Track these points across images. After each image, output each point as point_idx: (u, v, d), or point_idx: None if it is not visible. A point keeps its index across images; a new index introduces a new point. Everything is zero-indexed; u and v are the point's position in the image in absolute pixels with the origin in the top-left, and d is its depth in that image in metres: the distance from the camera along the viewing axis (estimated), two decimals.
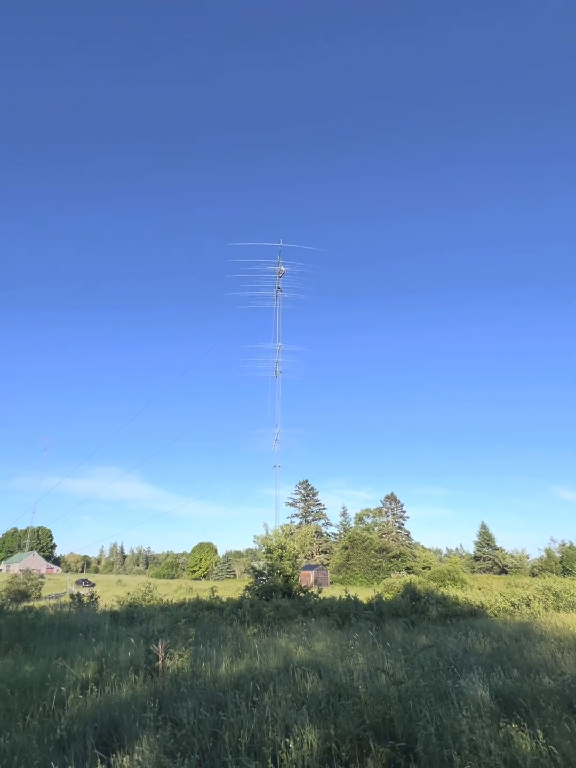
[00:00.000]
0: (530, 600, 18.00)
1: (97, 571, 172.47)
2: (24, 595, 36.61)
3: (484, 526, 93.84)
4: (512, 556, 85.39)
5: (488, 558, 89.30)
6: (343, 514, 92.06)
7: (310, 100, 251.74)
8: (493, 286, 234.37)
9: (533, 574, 71.06)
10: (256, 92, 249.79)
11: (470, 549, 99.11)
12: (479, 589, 35.08)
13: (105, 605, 24.59)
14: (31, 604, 29.15)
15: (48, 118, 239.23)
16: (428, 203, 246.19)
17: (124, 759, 4.57)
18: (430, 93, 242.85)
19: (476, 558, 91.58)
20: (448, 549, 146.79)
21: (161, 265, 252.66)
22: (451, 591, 27.46)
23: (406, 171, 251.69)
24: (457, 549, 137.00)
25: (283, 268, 38.83)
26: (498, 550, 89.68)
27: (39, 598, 38.57)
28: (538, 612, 16.39)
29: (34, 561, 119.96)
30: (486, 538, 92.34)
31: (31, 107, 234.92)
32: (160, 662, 7.83)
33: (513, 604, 17.83)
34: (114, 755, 4.71)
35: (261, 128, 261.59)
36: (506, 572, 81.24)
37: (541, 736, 4.45)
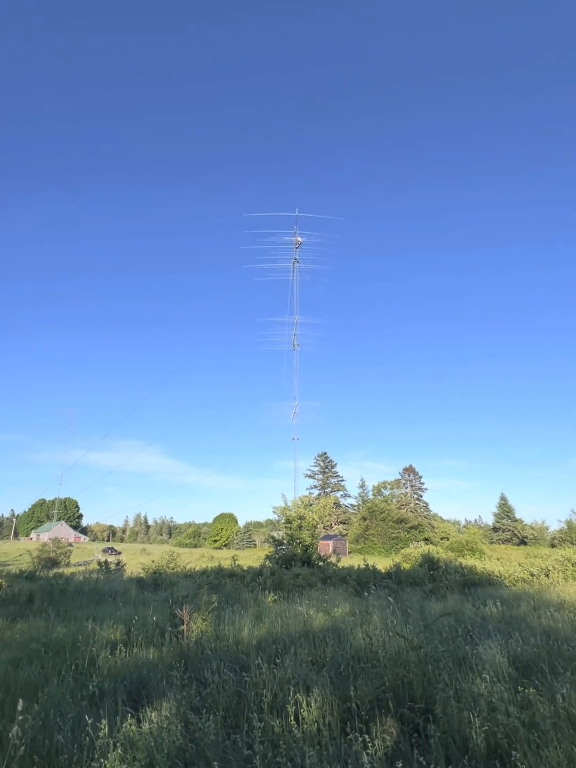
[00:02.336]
0: (549, 570, 18.01)
1: (122, 540, 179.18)
2: (54, 562, 38.30)
3: (503, 498, 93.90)
4: (531, 528, 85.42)
5: (507, 529, 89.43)
6: (362, 486, 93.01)
7: (322, 59, 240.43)
8: (517, 246, 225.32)
9: (553, 545, 70.97)
10: (266, 55, 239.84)
11: (489, 520, 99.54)
12: (498, 560, 35.28)
13: (131, 572, 25.45)
14: (60, 570, 30.46)
15: (49, 84, 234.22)
16: (454, 167, 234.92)
17: (153, 714, 4.80)
18: (456, 45, 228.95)
19: (495, 529, 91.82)
20: (466, 520, 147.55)
21: (177, 238, 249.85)
22: (469, 561, 27.65)
23: (430, 134, 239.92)
24: (475, 520, 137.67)
25: (299, 239, 37.93)
26: (517, 521, 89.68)
27: (68, 565, 40.25)
28: (557, 582, 16.42)
29: (62, 530, 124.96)
30: (505, 510, 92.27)
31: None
32: (184, 626, 8.13)
33: (532, 575, 17.88)
34: (143, 711, 4.95)
35: (274, 91, 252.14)
36: (525, 543, 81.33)
37: (560, 700, 4.50)
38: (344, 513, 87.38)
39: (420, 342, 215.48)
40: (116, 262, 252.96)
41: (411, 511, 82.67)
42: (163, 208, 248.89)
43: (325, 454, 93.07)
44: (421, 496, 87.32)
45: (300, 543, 26.12)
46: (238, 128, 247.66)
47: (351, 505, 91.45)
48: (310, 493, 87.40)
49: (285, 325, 39.37)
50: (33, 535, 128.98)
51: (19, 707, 3.80)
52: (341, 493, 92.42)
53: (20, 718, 3.89)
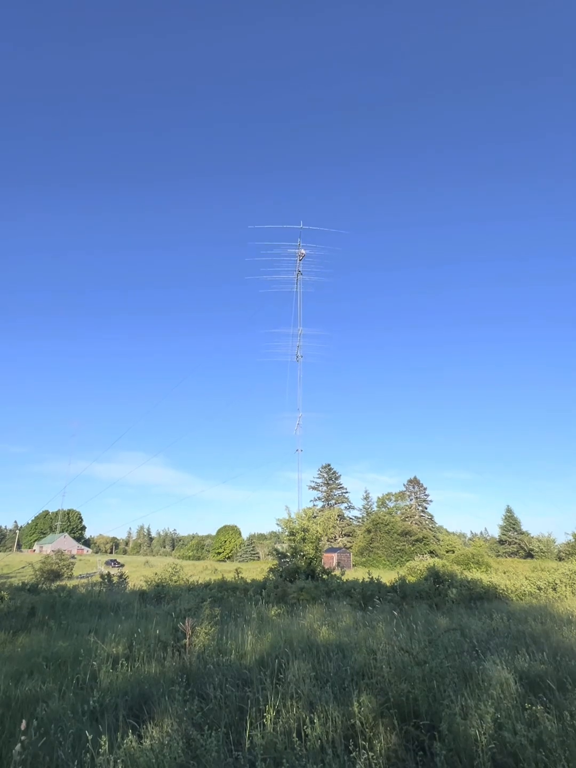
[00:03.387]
0: (557, 584, 17.76)
1: (125, 552, 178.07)
2: (56, 575, 38.08)
3: (509, 510, 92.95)
4: (538, 540, 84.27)
5: (514, 542, 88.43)
6: (366, 498, 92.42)
7: (327, 74, 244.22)
8: (521, 259, 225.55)
9: (560, 559, 69.89)
10: (271, 69, 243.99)
11: (495, 533, 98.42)
12: (504, 573, 34.79)
13: (133, 585, 25.29)
14: (63, 583, 30.31)
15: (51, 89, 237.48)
16: (457, 179, 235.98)
17: (154, 730, 4.74)
18: (460, 59, 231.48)
19: (501, 542, 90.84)
20: (472, 533, 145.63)
21: (181, 249, 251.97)
22: (475, 574, 27.25)
23: (433, 146, 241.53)
24: (481, 533, 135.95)
25: (303, 251, 38.27)
26: (524, 534, 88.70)
27: (71, 577, 40.03)
28: (565, 596, 16.19)
29: (65, 542, 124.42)
30: (511, 522, 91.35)
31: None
32: (187, 639, 8.06)
33: (539, 588, 17.63)
34: (144, 726, 4.89)
35: (278, 106, 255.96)
36: (532, 556, 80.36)
37: (568, 718, 4.42)
38: (348, 525, 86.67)
39: (425, 353, 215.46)
40: (121, 273, 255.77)
41: (416, 523, 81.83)
42: (168, 220, 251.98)
43: (329, 465, 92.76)
44: (426, 508, 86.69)
45: (304, 556, 25.93)
46: (245, 142, 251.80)
47: (355, 517, 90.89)
48: (314, 505, 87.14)
49: (288, 337, 38.60)
50: (36, 547, 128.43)
51: (22, 726, 3.77)
52: (345, 505, 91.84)
53: (23, 738, 3.86)
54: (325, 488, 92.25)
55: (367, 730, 4.68)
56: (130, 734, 4.42)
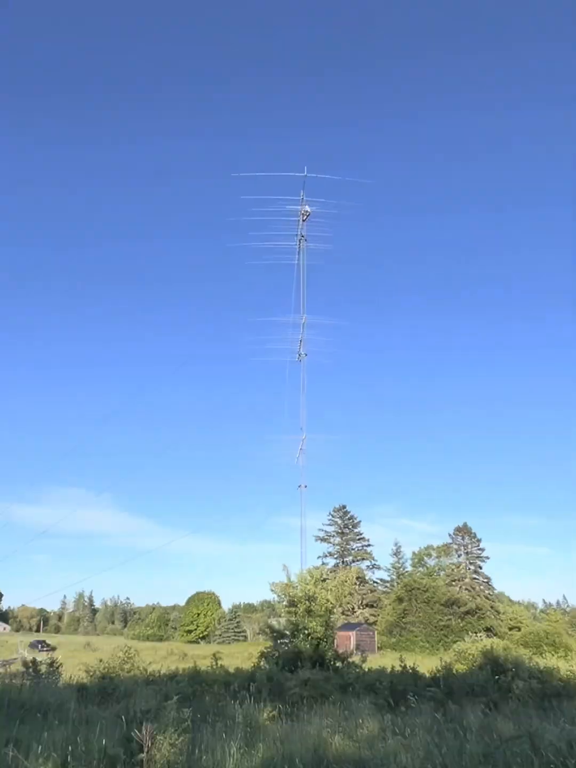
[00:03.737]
0: None
1: (58, 629, 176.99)
2: None
3: None
4: None
5: None
6: (396, 553, 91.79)
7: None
8: None
9: None
10: None
11: None
12: None
13: (70, 676, 24.96)
14: None
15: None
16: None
17: None
18: None
19: None
20: (545, 602, 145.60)
21: (131, 195, 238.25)
22: (551, 660, 27.00)
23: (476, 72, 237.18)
24: (558, 602, 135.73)
25: (307, 209, 37.60)
26: None
27: None
28: None
29: None
30: None
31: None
32: (144, 754, 7.98)
33: None
34: None
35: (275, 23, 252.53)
36: None
37: None
38: (372, 591, 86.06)
39: (479, 351, 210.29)
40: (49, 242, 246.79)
41: (466, 588, 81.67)
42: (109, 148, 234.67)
43: (345, 508, 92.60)
44: (481, 568, 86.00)
45: (309, 635, 25.96)
46: (230, 55, 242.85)
47: (381, 580, 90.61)
48: (323, 562, 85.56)
49: (287, 328, 37.61)
50: None
51: None
52: (367, 563, 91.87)
53: None
54: (338, 539, 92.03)
55: None
56: None
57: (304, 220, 37.37)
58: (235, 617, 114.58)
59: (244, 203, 38.47)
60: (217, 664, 24.98)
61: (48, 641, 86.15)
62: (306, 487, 32.61)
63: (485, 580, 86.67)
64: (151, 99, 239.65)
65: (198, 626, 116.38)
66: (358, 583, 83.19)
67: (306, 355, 36.64)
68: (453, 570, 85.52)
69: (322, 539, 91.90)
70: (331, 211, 37.45)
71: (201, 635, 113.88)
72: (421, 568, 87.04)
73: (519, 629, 70.37)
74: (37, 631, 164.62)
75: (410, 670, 19.53)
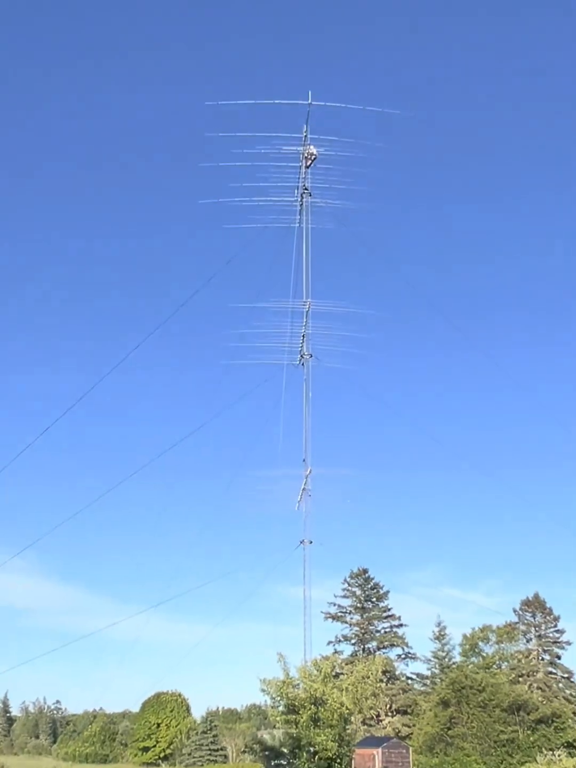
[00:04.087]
0: None
1: None
2: None
3: None
4: None
5: None
6: (439, 637, 79.75)
7: None
8: None
9: None
10: None
11: None
12: None
13: None
14: None
15: None
16: None
17: None
18: None
19: None
20: None
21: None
22: None
23: None
24: None
25: (313, 150, 32.39)
26: None
27: None
28: None
29: None
30: None
31: None
32: None
33: None
34: None
35: None
36: None
37: None
38: (405, 692, 73.94)
39: (538, 361, 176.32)
40: None
41: (539, 686, 69.79)
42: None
43: (366, 572, 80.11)
44: (559, 658, 74.55)
45: (316, 753, 24.19)
46: None
47: (418, 675, 78.15)
48: (336, 650, 74.72)
49: (284, 317, 33.17)
50: None
51: None
52: (398, 650, 78.80)
53: None
54: (357, 617, 79.53)
55: None
56: None
57: (307, 167, 32.76)
58: (211, 729, 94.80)
59: (222, 143, 33.32)
60: None
61: None
62: (311, 542, 28.76)
63: (565, 675, 75.18)
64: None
65: (158, 741, 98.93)
66: (385, 679, 69.56)
67: (311, 356, 32.69)
68: (520, 661, 73.37)
69: (335, 617, 79.19)
70: (347, 153, 32.07)
71: (162, 754, 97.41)
72: (474, 659, 74.52)
73: None
74: None
75: None
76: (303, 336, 32.36)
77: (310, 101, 30.54)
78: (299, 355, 32.32)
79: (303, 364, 32.34)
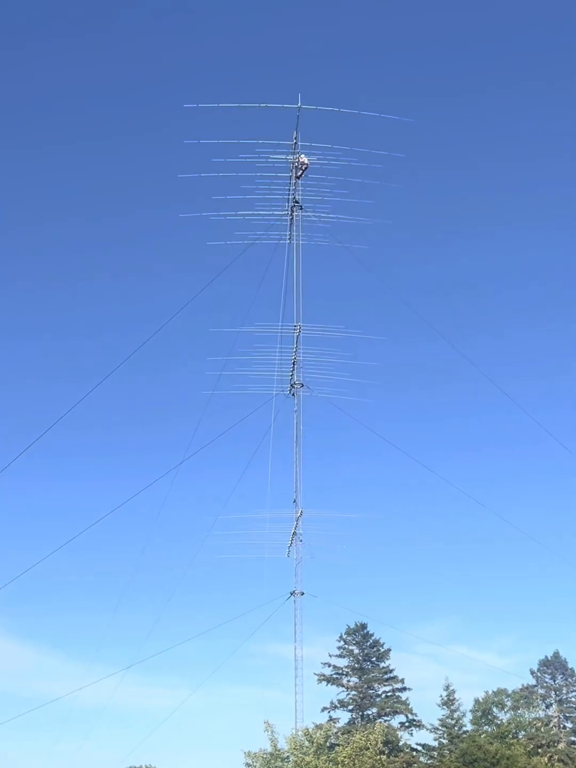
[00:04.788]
0: None
1: None
2: None
3: None
4: None
5: None
6: (448, 702, 74.11)
7: None
8: None
9: None
10: None
11: None
12: None
13: None
14: None
15: None
16: None
17: None
18: None
19: None
20: None
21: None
22: None
23: None
24: None
25: (304, 159, 32.31)
26: None
27: None
28: None
29: None
30: None
31: None
32: None
33: None
34: None
35: None
36: None
37: None
38: (409, 764, 67.51)
39: (553, 389, 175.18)
40: None
41: (560, 759, 64.83)
42: None
43: (365, 629, 75.13)
44: None
45: None
46: None
47: (425, 746, 72.37)
48: (331, 717, 69.77)
49: (272, 342, 33.29)
50: None
51: None
52: (402, 717, 73.19)
53: None
54: (355, 679, 74.43)
55: None
56: None
57: (298, 177, 32.69)
58: None
59: (203, 151, 33.64)
60: None
61: None
62: (303, 594, 29.53)
63: None
64: None
65: None
66: (387, 750, 65.69)
67: (302, 385, 33.05)
68: (539, 729, 68.66)
69: (329, 679, 73.72)
70: (341, 162, 31.89)
71: None
72: (487, 727, 69.47)
73: None
74: None
75: None
76: (293, 363, 31.64)
77: (299, 105, 29.65)
78: (289, 385, 31.78)
79: (294, 394, 31.83)
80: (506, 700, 71.45)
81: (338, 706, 74.56)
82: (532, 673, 76.25)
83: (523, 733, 69.17)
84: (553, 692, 74.56)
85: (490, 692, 73.89)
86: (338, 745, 33.09)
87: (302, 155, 30.91)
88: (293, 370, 31.62)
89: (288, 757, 26.73)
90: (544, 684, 75.13)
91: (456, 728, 72.55)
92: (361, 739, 34.18)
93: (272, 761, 26.64)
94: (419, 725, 74.06)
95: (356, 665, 75.08)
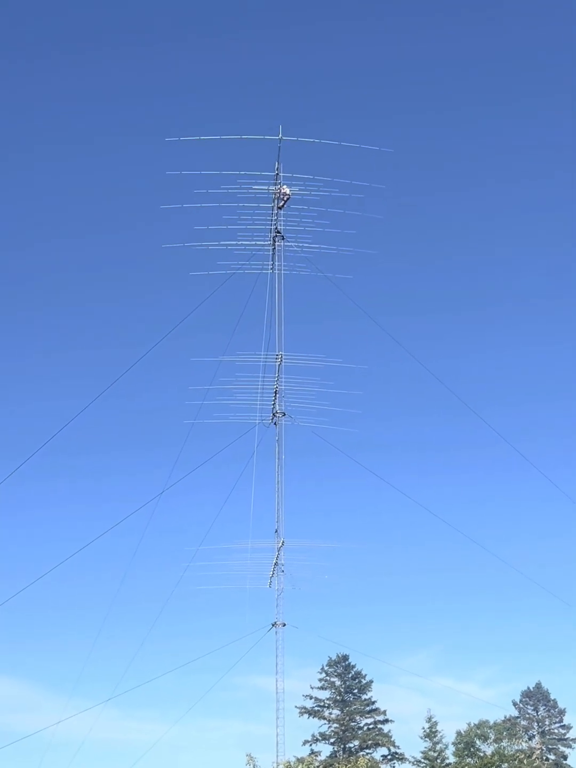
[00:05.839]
0: None
1: None
2: None
3: None
4: None
5: None
6: (430, 735, 72.78)
7: None
8: None
9: None
10: None
11: None
12: None
13: None
14: None
15: None
16: None
17: None
18: None
19: None
20: None
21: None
22: None
23: None
24: None
25: (286, 189, 31.89)
26: None
27: None
28: None
29: None
30: None
31: None
32: None
33: None
34: None
35: None
36: None
37: None
38: None
39: (536, 418, 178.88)
40: None
41: None
42: None
43: (347, 660, 75.21)
44: (566, 757, 71.01)
45: None
46: None
47: None
48: (312, 750, 69.16)
49: (252, 371, 32.65)
50: None
51: None
52: (384, 750, 73.08)
53: None
54: (337, 712, 73.99)
55: None
56: None
57: (280, 208, 32.39)
58: None
59: (185, 181, 31.21)
60: None
61: None
62: (284, 625, 28.31)
63: None
64: None
65: None
66: None
67: (284, 414, 32.14)
68: (522, 761, 66.98)
69: (311, 712, 73.27)
70: (323, 193, 31.18)
71: None
72: (470, 759, 68.39)
73: None
74: None
75: None
76: (275, 392, 30.93)
77: (280, 136, 29.75)
78: (271, 414, 31.17)
79: (275, 424, 31.32)
80: (489, 731, 70.98)
81: (320, 739, 73.61)
82: (514, 704, 76.47)
83: (506, 765, 68.47)
84: (535, 724, 74.75)
85: (472, 724, 72.25)
86: None
87: (284, 186, 30.75)
88: (275, 399, 31.09)
89: None
90: (527, 715, 75.32)
91: (439, 761, 71.88)
92: None
93: None
94: (402, 758, 73.14)
95: (338, 697, 74.78)
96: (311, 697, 74.77)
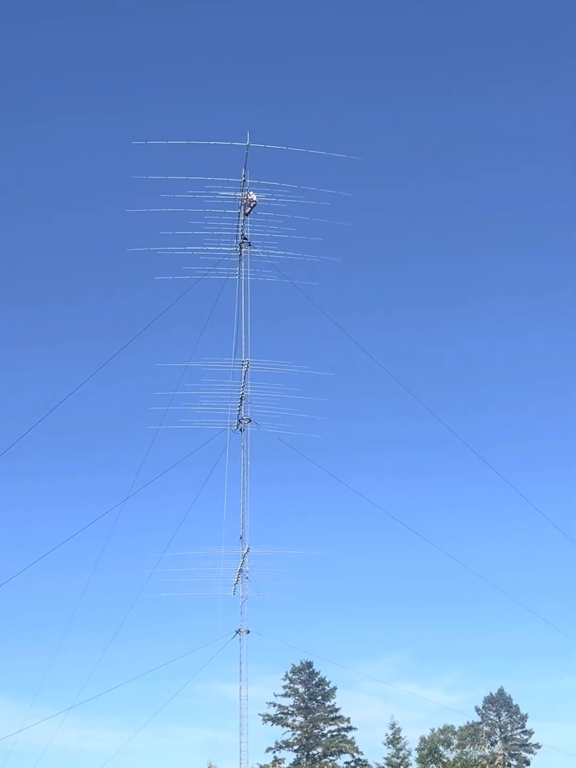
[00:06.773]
0: None
1: None
2: None
3: None
4: None
5: None
6: (394, 741, 72.80)
7: None
8: None
9: None
10: None
11: None
12: None
13: None
14: None
15: None
16: None
17: None
18: None
19: None
20: None
21: None
22: None
23: None
24: None
25: (253, 196, 31.95)
26: None
27: None
28: None
29: None
30: None
31: None
32: None
33: None
34: None
35: None
36: None
37: None
38: None
39: (499, 426, 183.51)
40: None
41: None
42: None
43: (311, 667, 75.00)
44: (528, 763, 71.15)
45: None
46: None
47: None
48: (276, 758, 69.43)
49: (219, 377, 31.61)
50: None
51: None
52: (348, 757, 72.99)
53: None
54: (300, 719, 73.55)
55: None
56: None
57: (246, 214, 32.36)
58: None
59: (150, 186, 32.29)
60: None
61: None
62: (249, 632, 27.50)
63: None
64: None
65: None
66: None
67: (250, 420, 31.80)
68: (485, 766, 67.64)
69: (275, 719, 72.98)
70: (290, 200, 31.18)
71: None
72: (433, 765, 68.47)
73: None
74: None
75: None
76: (241, 398, 30.71)
77: (248, 143, 29.67)
78: (237, 420, 30.62)
79: (241, 430, 30.93)
80: (452, 737, 71.29)
81: (283, 746, 73.33)
82: (477, 710, 76.86)
83: None
84: (498, 729, 75.12)
85: (435, 730, 72.92)
86: None
87: (251, 192, 30.75)
88: (241, 405, 30.73)
89: None
90: (489, 721, 75.58)
91: (402, 767, 72.85)
92: None
93: None
94: (365, 765, 73.22)
95: (302, 704, 74.35)
96: (275, 705, 74.41)
